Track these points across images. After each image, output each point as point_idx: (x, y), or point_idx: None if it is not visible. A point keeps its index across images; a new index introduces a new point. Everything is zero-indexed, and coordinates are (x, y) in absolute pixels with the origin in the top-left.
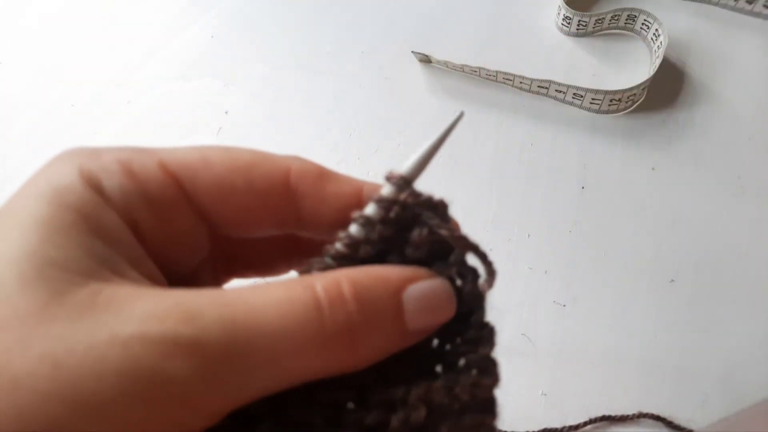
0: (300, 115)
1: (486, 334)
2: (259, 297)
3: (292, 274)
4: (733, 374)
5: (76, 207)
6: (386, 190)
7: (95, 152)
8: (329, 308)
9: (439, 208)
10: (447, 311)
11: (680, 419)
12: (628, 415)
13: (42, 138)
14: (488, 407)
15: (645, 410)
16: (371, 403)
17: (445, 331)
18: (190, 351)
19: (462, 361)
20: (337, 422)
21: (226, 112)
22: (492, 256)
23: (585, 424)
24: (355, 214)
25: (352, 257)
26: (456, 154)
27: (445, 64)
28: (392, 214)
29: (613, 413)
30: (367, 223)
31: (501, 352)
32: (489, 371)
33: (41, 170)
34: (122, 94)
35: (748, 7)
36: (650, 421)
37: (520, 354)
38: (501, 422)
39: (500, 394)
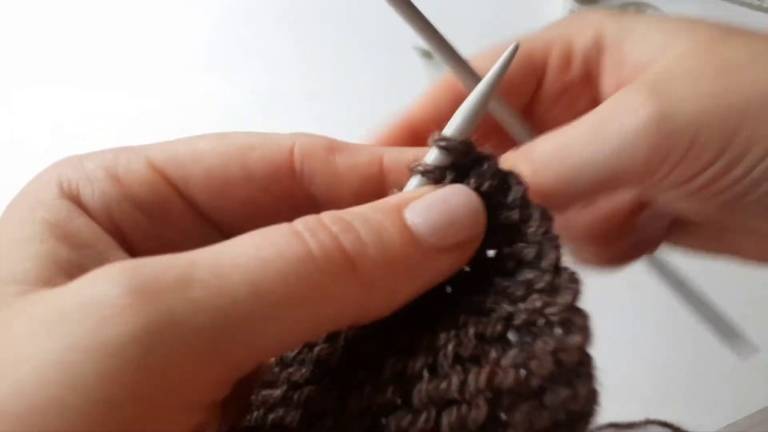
0: (297, 112)
1: (565, 279)
2: (242, 255)
3: None
4: (742, 379)
5: (43, 218)
6: (432, 156)
7: (80, 160)
8: (311, 235)
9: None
10: (470, 222)
11: (688, 425)
12: (635, 422)
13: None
14: (580, 373)
15: (652, 416)
16: (414, 401)
17: (505, 284)
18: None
19: (541, 321)
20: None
21: (222, 108)
22: None
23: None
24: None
25: None
26: None
27: None
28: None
29: (620, 420)
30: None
31: None
32: (575, 326)
33: (27, 185)
34: (119, 89)
35: (757, 2)
36: (658, 428)
37: None
38: None
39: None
